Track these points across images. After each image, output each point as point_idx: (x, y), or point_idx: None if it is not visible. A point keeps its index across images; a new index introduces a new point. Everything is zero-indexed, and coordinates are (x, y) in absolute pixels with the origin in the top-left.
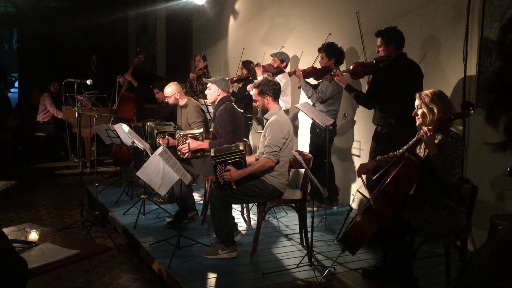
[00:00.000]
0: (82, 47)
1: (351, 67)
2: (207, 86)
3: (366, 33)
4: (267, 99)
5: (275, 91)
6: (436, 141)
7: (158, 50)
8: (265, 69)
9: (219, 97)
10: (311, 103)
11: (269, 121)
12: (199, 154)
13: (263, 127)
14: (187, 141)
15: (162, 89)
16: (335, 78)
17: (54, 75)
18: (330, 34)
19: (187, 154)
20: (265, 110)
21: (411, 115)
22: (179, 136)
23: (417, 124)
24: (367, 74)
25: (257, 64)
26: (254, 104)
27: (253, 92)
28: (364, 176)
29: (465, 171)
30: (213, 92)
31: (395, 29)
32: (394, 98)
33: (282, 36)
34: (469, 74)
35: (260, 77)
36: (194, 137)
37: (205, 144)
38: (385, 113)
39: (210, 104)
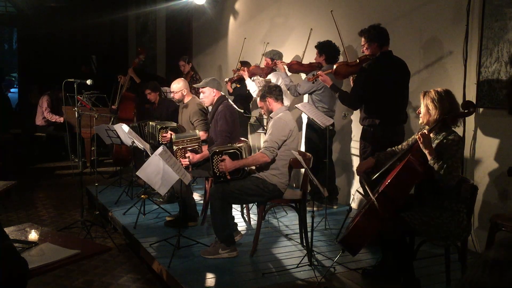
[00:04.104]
0: (82, 47)
1: (335, 66)
2: (200, 90)
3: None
4: (268, 102)
5: (275, 92)
6: (437, 141)
7: (158, 50)
8: (251, 72)
9: (216, 97)
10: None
11: (273, 118)
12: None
13: (263, 127)
14: (187, 155)
15: (154, 90)
16: (319, 78)
17: (54, 76)
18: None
19: (189, 168)
20: (270, 112)
21: (396, 113)
22: (177, 149)
23: (419, 122)
24: (351, 73)
25: (241, 68)
26: (261, 111)
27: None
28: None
29: (465, 171)
30: (208, 95)
31: (377, 27)
32: (378, 97)
33: (282, 36)
34: (469, 74)
35: (247, 81)
36: (193, 150)
37: (206, 153)
38: (370, 112)
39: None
